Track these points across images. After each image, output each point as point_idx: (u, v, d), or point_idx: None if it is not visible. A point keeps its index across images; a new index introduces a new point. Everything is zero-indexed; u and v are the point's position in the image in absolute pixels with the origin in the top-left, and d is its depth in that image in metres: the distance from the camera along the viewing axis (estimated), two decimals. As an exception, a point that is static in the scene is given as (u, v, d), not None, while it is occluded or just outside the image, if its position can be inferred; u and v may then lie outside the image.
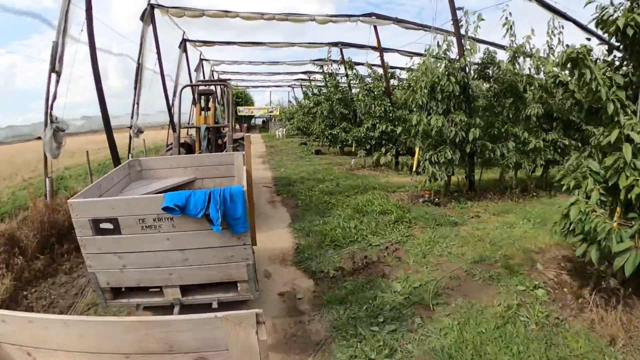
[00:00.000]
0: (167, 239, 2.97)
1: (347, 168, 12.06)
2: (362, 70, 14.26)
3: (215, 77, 23.80)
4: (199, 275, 3.07)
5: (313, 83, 17.99)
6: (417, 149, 7.61)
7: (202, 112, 7.07)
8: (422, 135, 7.15)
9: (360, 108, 12.58)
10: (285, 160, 14.51)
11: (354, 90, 16.32)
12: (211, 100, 7.28)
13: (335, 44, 14.45)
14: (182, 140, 6.49)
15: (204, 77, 20.47)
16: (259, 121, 43.65)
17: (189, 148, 6.80)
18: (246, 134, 4.00)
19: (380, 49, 11.91)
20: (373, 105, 11.65)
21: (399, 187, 8.78)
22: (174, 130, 6.39)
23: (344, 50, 15.01)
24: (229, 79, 25.41)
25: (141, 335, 1.29)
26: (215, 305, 3.16)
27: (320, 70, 18.14)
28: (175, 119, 7.23)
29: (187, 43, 13.58)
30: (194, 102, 11.08)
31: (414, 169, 7.75)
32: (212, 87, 7.61)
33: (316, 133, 17.25)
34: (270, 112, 37.44)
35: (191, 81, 14.35)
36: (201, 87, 7.43)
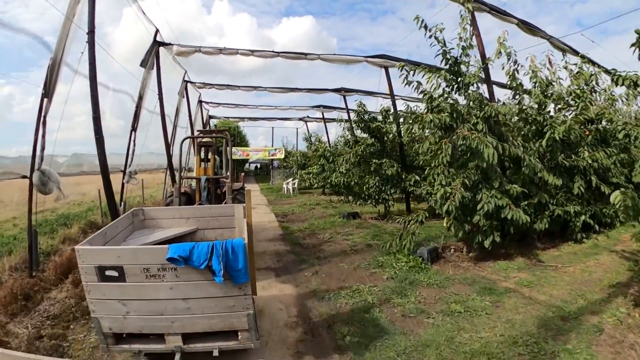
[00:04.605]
0: (170, 288, 3.11)
1: None
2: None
3: (210, 115, 24.16)
4: (201, 324, 3.18)
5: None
6: None
7: (202, 164, 7.33)
8: None
9: None
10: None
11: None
12: (210, 151, 7.53)
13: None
14: (181, 190, 6.69)
15: (203, 121, 20.86)
16: (253, 166, 38.18)
17: (188, 198, 7.00)
18: (247, 188, 4.24)
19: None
20: None
21: None
22: (173, 181, 6.57)
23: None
24: (228, 119, 25.59)
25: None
26: (216, 353, 3.24)
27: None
28: (177, 169, 7.41)
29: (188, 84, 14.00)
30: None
31: None
32: (212, 139, 7.88)
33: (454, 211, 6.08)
34: (272, 154, 29.14)
35: (191, 121, 14.82)
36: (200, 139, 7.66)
